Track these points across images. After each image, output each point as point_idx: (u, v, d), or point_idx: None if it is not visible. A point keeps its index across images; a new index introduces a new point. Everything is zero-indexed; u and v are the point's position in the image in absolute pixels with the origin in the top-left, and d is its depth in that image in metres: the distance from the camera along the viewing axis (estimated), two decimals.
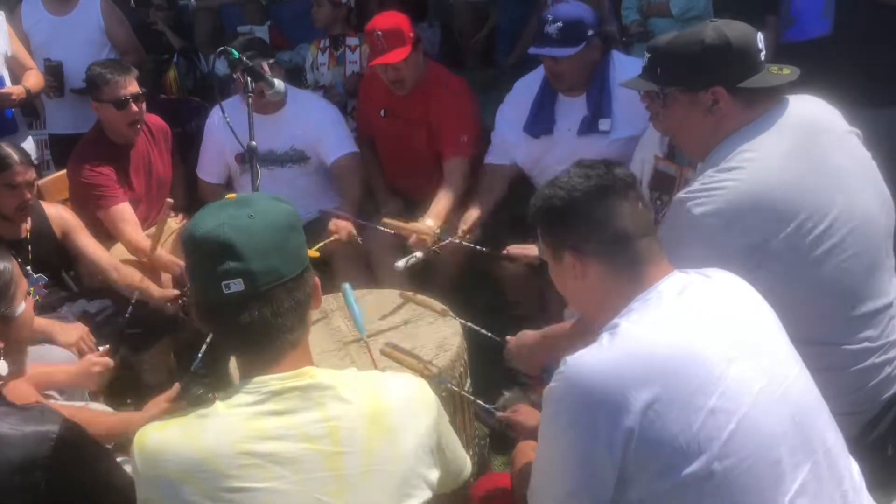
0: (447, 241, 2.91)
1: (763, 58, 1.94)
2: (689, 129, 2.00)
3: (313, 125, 3.50)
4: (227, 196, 1.40)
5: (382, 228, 2.94)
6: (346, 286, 2.45)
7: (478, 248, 2.92)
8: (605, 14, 4.32)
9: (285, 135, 3.48)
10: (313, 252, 2.60)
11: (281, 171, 3.52)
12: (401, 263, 2.82)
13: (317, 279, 1.44)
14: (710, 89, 1.90)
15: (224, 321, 1.36)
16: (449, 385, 2.24)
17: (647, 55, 2.03)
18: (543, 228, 1.61)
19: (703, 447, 1.31)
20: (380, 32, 3.24)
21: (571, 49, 2.94)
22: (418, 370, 2.23)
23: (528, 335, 2.30)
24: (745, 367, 1.38)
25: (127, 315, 2.88)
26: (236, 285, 1.31)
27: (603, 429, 1.32)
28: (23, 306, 1.60)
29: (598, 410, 1.33)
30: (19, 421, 1.44)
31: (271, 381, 1.34)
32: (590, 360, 1.38)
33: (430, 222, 3.08)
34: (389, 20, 3.32)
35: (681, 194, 1.87)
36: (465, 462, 1.57)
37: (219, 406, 1.34)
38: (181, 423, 1.34)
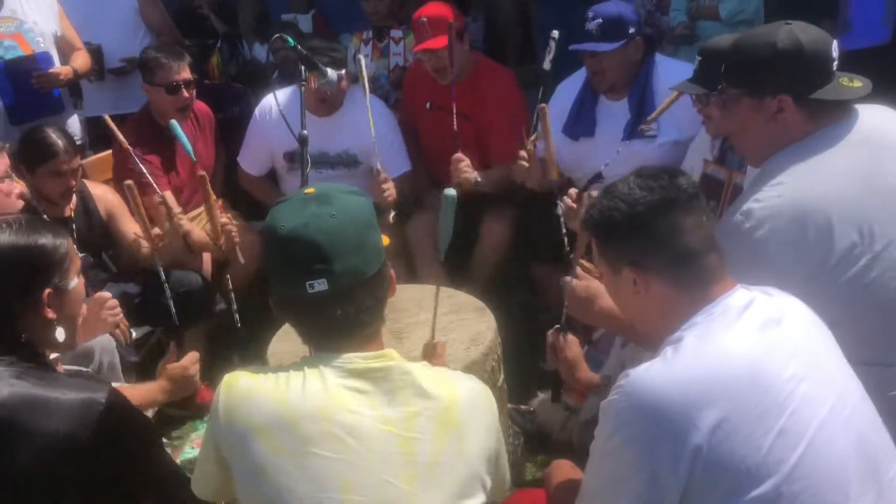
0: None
1: (835, 67, 1.86)
2: (748, 134, 1.93)
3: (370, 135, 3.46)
4: (306, 190, 1.41)
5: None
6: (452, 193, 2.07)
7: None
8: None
9: (340, 138, 3.46)
10: None
11: (330, 172, 3.51)
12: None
13: (392, 271, 1.46)
14: (776, 97, 1.82)
15: (305, 316, 1.40)
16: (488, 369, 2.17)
17: (699, 57, 1.99)
18: (601, 242, 1.55)
19: (771, 470, 1.27)
20: (425, 19, 3.28)
21: (610, 45, 2.93)
22: None
23: (600, 297, 1.98)
24: (812, 387, 1.34)
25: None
26: (320, 285, 1.33)
27: (668, 447, 1.28)
28: (76, 281, 1.63)
29: (663, 427, 1.29)
30: (68, 387, 1.48)
31: (355, 359, 1.37)
32: (654, 375, 1.34)
33: (479, 178, 3.08)
34: (435, 8, 3.35)
35: (736, 215, 1.80)
36: (508, 479, 1.57)
37: (307, 371, 1.36)
38: (272, 376, 1.37)
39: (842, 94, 1.83)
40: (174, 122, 2.56)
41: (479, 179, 3.13)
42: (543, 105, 2.65)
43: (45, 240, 1.57)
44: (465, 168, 3.05)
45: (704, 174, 2.59)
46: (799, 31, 1.83)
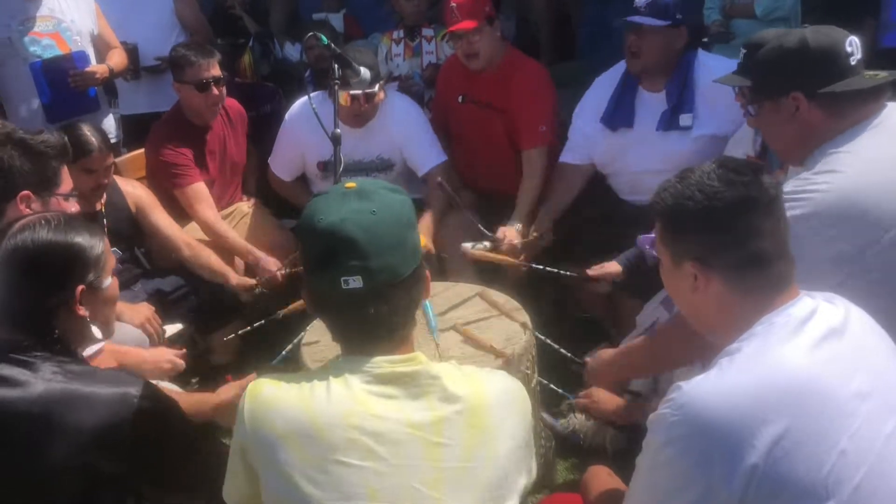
0: (533, 266, 2.86)
1: (854, 62, 1.83)
2: (777, 137, 1.94)
3: (401, 134, 3.46)
4: (347, 185, 1.38)
5: (471, 256, 2.90)
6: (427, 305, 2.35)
7: (563, 272, 2.83)
8: None
9: (372, 145, 3.45)
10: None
11: (365, 179, 3.49)
12: (468, 245, 2.87)
13: (428, 272, 1.43)
14: (790, 95, 1.83)
15: (338, 313, 1.38)
16: (523, 370, 2.27)
17: (744, 50, 1.98)
18: (667, 230, 1.46)
19: (831, 491, 1.21)
20: (454, 5, 3.27)
21: (657, 20, 2.90)
22: (491, 352, 2.26)
23: (606, 353, 2.23)
24: (875, 404, 1.28)
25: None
26: (355, 282, 1.31)
27: (722, 463, 1.23)
28: (109, 281, 1.65)
29: (718, 443, 1.23)
30: (102, 383, 1.50)
31: (382, 363, 1.34)
32: (709, 388, 1.28)
33: (518, 225, 3.11)
34: None
35: None
36: (534, 471, 1.51)
37: (331, 377, 1.34)
38: (296, 384, 1.36)
39: (860, 84, 1.81)
40: None
41: (519, 232, 3.12)
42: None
43: (81, 238, 1.59)
44: (510, 243, 3.04)
45: None
46: (808, 31, 1.85)
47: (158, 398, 1.56)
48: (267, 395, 1.34)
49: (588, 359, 2.29)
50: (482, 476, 1.32)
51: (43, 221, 1.58)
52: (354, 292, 1.31)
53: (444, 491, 1.30)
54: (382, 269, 1.32)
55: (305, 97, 3.10)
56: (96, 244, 1.61)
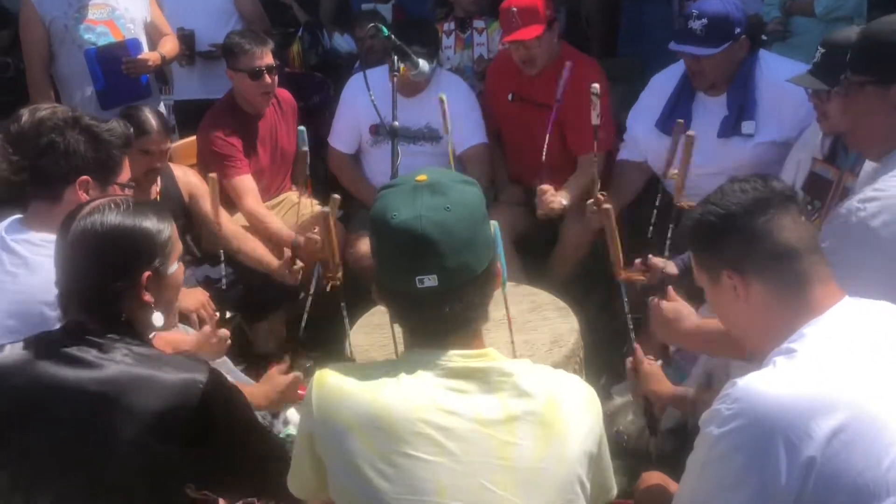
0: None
1: None
2: (870, 125, 1.84)
3: (450, 107, 3.45)
4: (417, 177, 1.34)
5: None
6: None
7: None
8: None
9: (422, 113, 3.45)
10: None
11: (413, 147, 3.49)
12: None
13: (499, 264, 1.41)
14: None
15: (412, 311, 1.36)
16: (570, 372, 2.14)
17: (822, 49, 1.91)
18: (698, 249, 1.53)
19: (891, 488, 1.21)
20: (515, 9, 3.19)
21: (714, 48, 2.81)
22: None
23: (686, 317, 2.02)
24: None
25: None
26: (430, 281, 1.29)
27: (779, 456, 1.22)
28: (175, 266, 1.65)
29: (775, 435, 1.23)
30: (170, 366, 1.51)
31: (455, 357, 1.32)
32: (766, 382, 1.28)
33: (564, 201, 3.08)
34: None
35: (852, 202, 1.72)
36: (612, 483, 1.48)
37: (401, 368, 1.33)
38: (364, 373, 1.34)
39: None
40: (303, 128, 2.59)
41: (565, 203, 3.08)
42: (692, 133, 2.57)
43: (150, 223, 1.59)
44: (551, 198, 3.02)
45: (812, 172, 2.48)
46: None
47: (224, 385, 1.57)
48: (335, 384, 1.33)
49: (663, 303, 2.08)
50: (553, 477, 1.30)
51: (112, 205, 1.59)
52: (430, 291, 1.29)
53: (516, 491, 1.27)
54: (458, 268, 1.29)
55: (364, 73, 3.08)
56: (164, 229, 1.61)
